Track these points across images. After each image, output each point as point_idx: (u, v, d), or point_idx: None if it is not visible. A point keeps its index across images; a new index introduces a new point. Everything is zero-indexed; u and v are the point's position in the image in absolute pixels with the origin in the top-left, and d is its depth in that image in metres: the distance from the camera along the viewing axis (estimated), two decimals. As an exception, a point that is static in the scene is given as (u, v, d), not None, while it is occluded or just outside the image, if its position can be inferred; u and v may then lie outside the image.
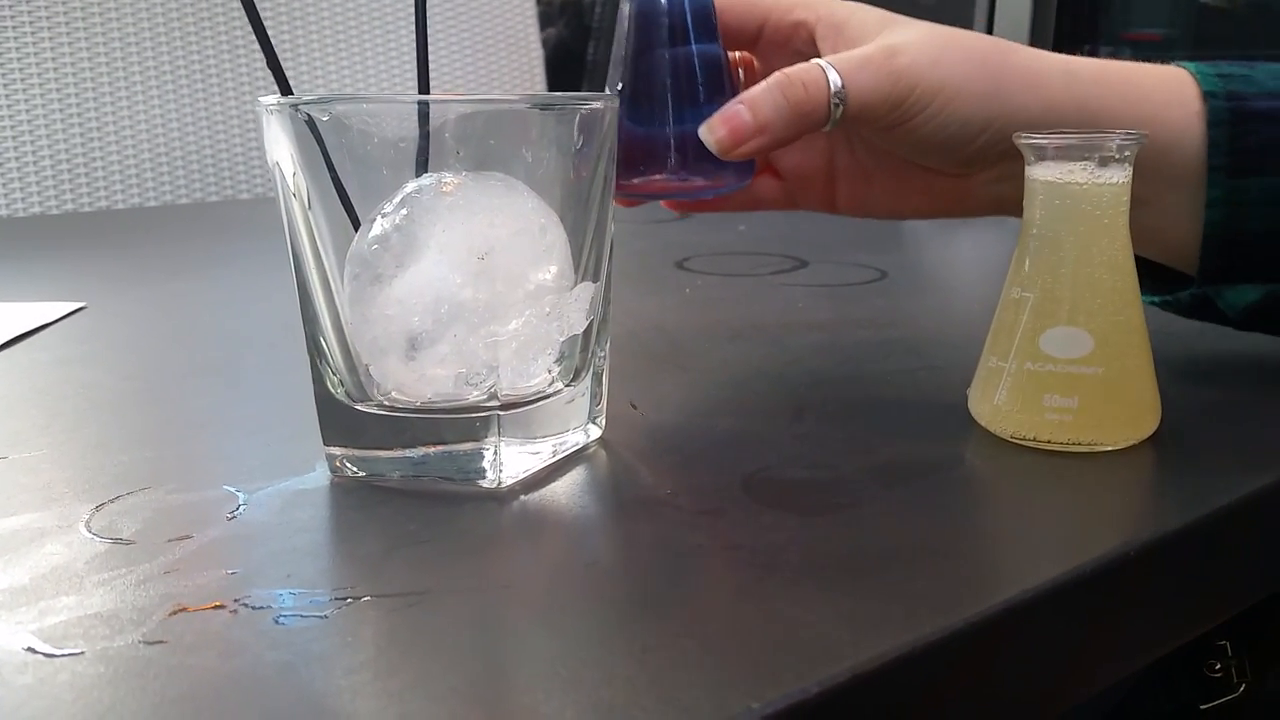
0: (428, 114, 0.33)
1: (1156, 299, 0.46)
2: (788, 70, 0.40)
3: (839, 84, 0.39)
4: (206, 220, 1.06)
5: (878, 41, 0.41)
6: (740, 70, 0.48)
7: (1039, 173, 0.37)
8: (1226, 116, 0.41)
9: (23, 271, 0.76)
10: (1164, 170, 0.41)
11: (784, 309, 0.61)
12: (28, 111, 1.12)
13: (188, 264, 0.80)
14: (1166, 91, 0.42)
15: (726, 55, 0.43)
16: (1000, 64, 0.41)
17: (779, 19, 0.44)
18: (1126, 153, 0.36)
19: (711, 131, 0.40)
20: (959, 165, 0.43)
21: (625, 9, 0.42)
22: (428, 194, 0.34)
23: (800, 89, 0.39)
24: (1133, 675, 0.33)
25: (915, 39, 0.41)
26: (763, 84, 0.40)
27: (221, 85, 1.21)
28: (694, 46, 0.42)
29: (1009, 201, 0.43)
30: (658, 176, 0.43)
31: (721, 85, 0.42)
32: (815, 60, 0.40)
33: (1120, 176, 0.36)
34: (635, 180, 0.43)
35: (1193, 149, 0.41)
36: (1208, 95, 0.41)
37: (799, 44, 0.44)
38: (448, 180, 0.34)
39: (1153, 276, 0.45)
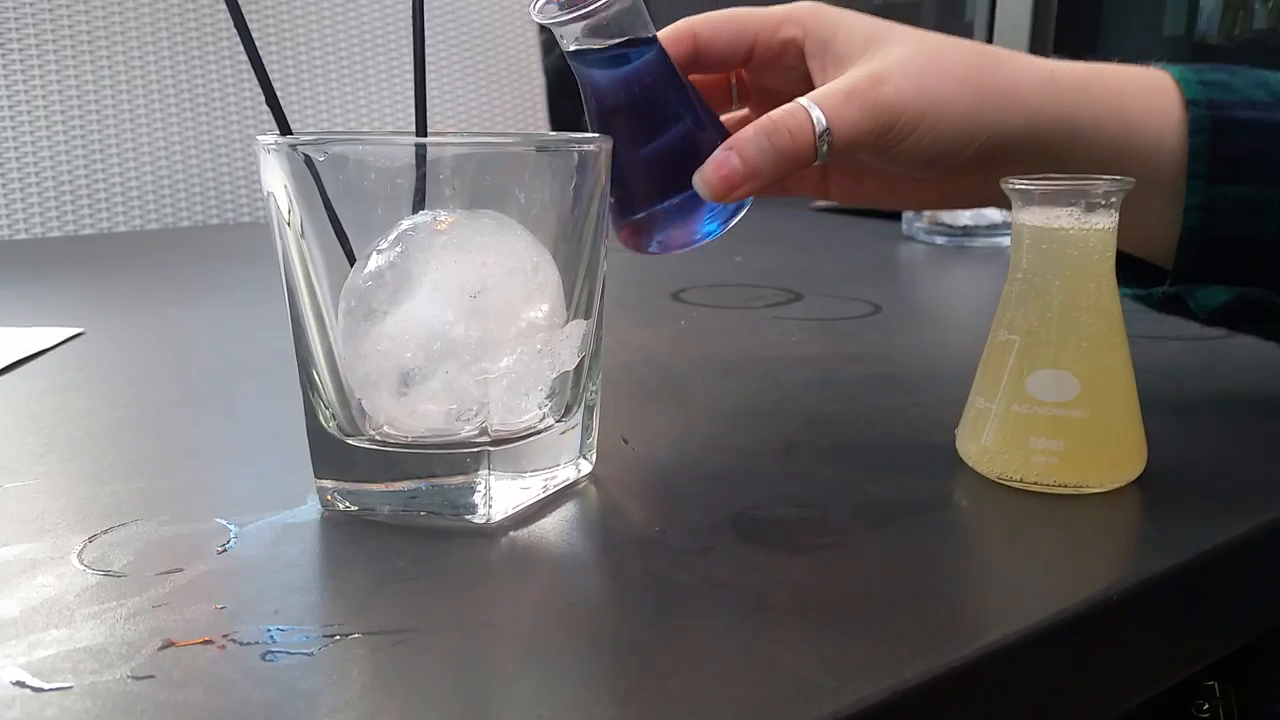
0: (425, 155, 0.34)
1: (1130, 292, 0.47)
2: (774, 116, 0.40)
3: (824, 124, 0.40)
4: (207, 244, 1.07)
5: (863, 67, 0.41)
6: (733, 80, 0.48)
7: (1026, 217, 0.37)
8: (1207, 125, 0.41)
9: (21, 295, 0.76)
10: (1144, 175, 0.42)
11: (777, 343, 0.61)
12: (31, 133, 1.12)
13: (187, 289, 0.80)
14: (1148, 100, 0.42)
15: (689, 94, 0.43)
16: (983, 81, 0.42)
17: (767, 39, 0.45)
18: (1113, 199, 0.36)
19: (704, 181, 0.40)
20: (944, 175, 0.44)
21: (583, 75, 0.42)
22: (422, 231, 0.34)
23: (786, 136, 0.40)
24: (1119, 717, 0.33)
25: (899, 61, 0.41)
26: (751, 130, 0.40)
27: (224, 108, 1.22)
28: (647, 110, 0.42)
29: (993, 198, 0.45)
30: (657, 238, 0.44)
31: (691, 140, 0.42)
32: (800, 101, 0.40)
33: (1106, 222, 0.36)
34: (650, 248, 0.44)
35: (1173, 155, 0.42)
36: (1190, 103, 0.42)
37: (789, 59, 0.45)
38: (442, 218, 0.34)
39: (1127, 270, 0.46)
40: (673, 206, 0.42)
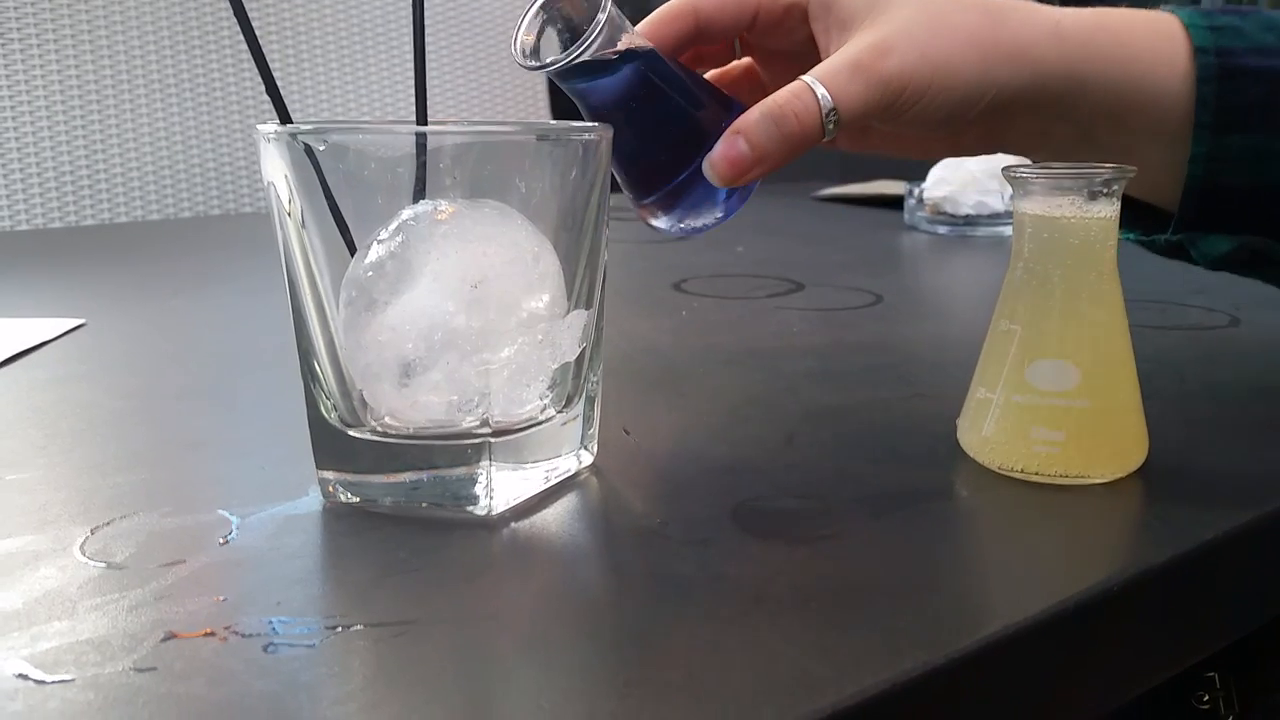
0: (425, 144, 0.34)
1: (1132, 237, 0.47)
2: (780, 100, 0.40)
3: (830, 104, 0.39)
4: (208, 234, 1.07)
5: (867, 34, 0.41)
6: (738, 54, 0.48)
7: (1027, 206, 0.37)
8: (1215, 73, 0.41)
9: (24, 286, 0.76)
10: (1150, 123, 0.42)
11: (779, 333, 0.61)
12: (32, 124, 1.12)
13: (188, 279, 0.80)
14: (1156, 48, 0.42)
15: (685, 82, 0.42)
16: (989, 39, 0.41)
17: (770, 5, 0.45)
18: (1115, 187, 0.36)
19: (714, 168, 0.40)
20: (951, 133, 0.44)
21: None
22: (423, 221, 0.34)
23: (793, 121, 0.39)
24: (1119, 708, 0.33)
25: (903, 26, 0.41)
26: (757, 114, 0.40)
27: (225, 98, 1.22)
28: (655, 108, 0.41)
29: (999, 145, 0.45)
30: (681, 225, 0.44)
31: (694, 128, 0.41)
32: (804, 80, 0.40)
33: (1108, 211, 0.36)
34: (662, 228, 0.44)
35: (1179, 103, 0.42)
36: (1198, 51, 0.41)
37: (792, 24, 0.45)
38: (443, 208, 0.34)
39: (1131, 214, 0.46)
40: (685, 191, 0.42)
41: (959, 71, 0.41)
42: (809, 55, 0.44)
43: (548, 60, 0.39)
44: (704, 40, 0.45)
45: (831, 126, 0.40)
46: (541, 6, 0.40)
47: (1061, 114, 0.42)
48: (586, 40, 0.38)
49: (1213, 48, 0.41)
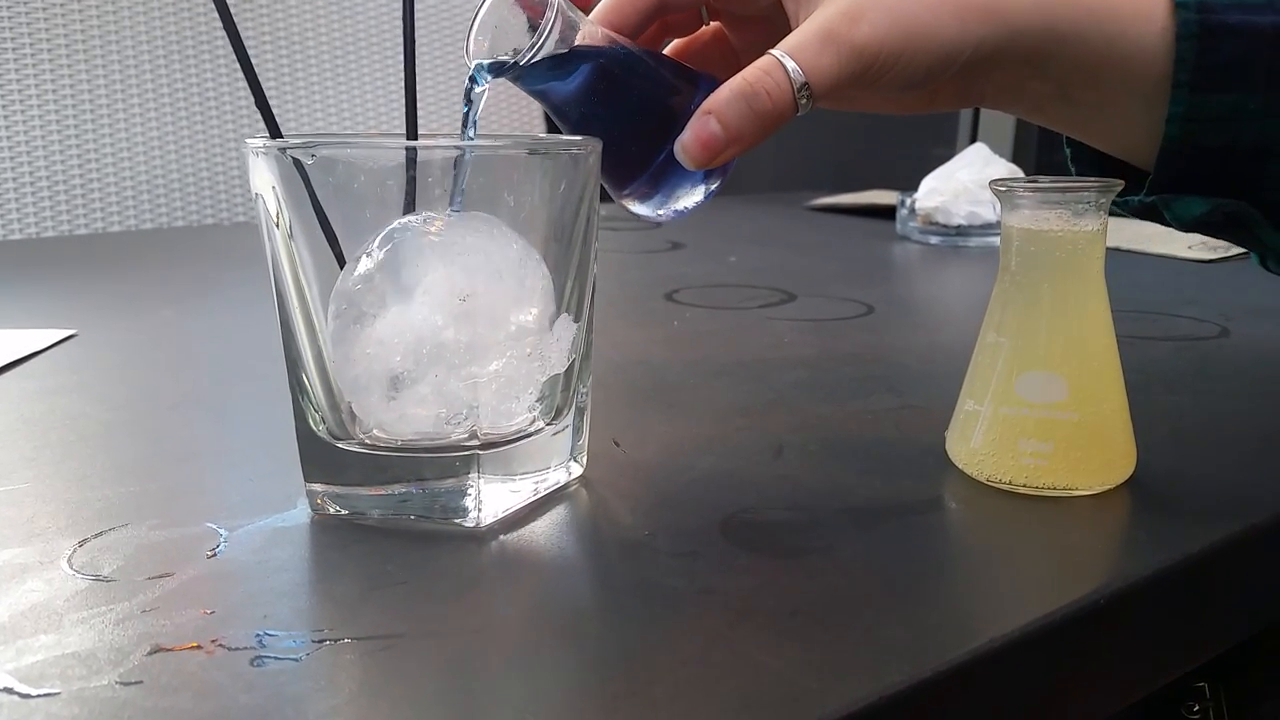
0: (415, 158, 0.34)
1: None
2: (750, 77, 0.39)
3: (801, 79, 0.39)
4: (200, 244, 1.07)
5: (836, 2, 0.40)
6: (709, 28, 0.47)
7: (1014, 219, 0.37)
8: (1195, 30, 0.40)
9: (14, 296, 0.76)
10: (1127, 80, 0.41)
11: (770, 344, 0.61)
12: (25, 133, 1.12)
13: (180, 290, 0.80)
14: (1135, 3, 0.41)
15: (648, 65, 0.42)
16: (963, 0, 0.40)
17: None
18: (1102, 201, 0.36)
19: (686, 151, 0.39)
20: (927, 92, 0.44)
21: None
22: (412, 234, 0.34)
23: (765, 99, 0.38)
24: (1109, 719, 0.34)
25: None
26: (728, 93, 0.39)
27: (218, 108, 1.22)
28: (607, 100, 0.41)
29: (975, 101, 0.45)
30: (662, 211, 0.43)
31: (667, 114, 0.41)
32: (774, 54, 0.39)
33: (1095, 224, 0.36)
34: (642, 213, 0.44)
35: (1157, 59, 0.41)
36: (1178, 5, 0.41)
37: None
38: (432, 221, 0.34)
39: (1103, 173, 0.45)
40: (662, 178, 0.42)
41: (933, 33, 0.40)
42: (777, 19, 0.43)
43: (492, 64, 0.38)
44: (669, 9, 0.45)
45: (805, 102, 0.39)
46: (490, 9, 0.39)
47: (1037, 70, 0.42)
48: (536, 44, 0.37)
49: (1194, 3, 0.40)
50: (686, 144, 0.39)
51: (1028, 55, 0.41)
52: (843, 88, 0.40)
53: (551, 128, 0.45)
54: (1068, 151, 0.48)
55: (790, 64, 0.39)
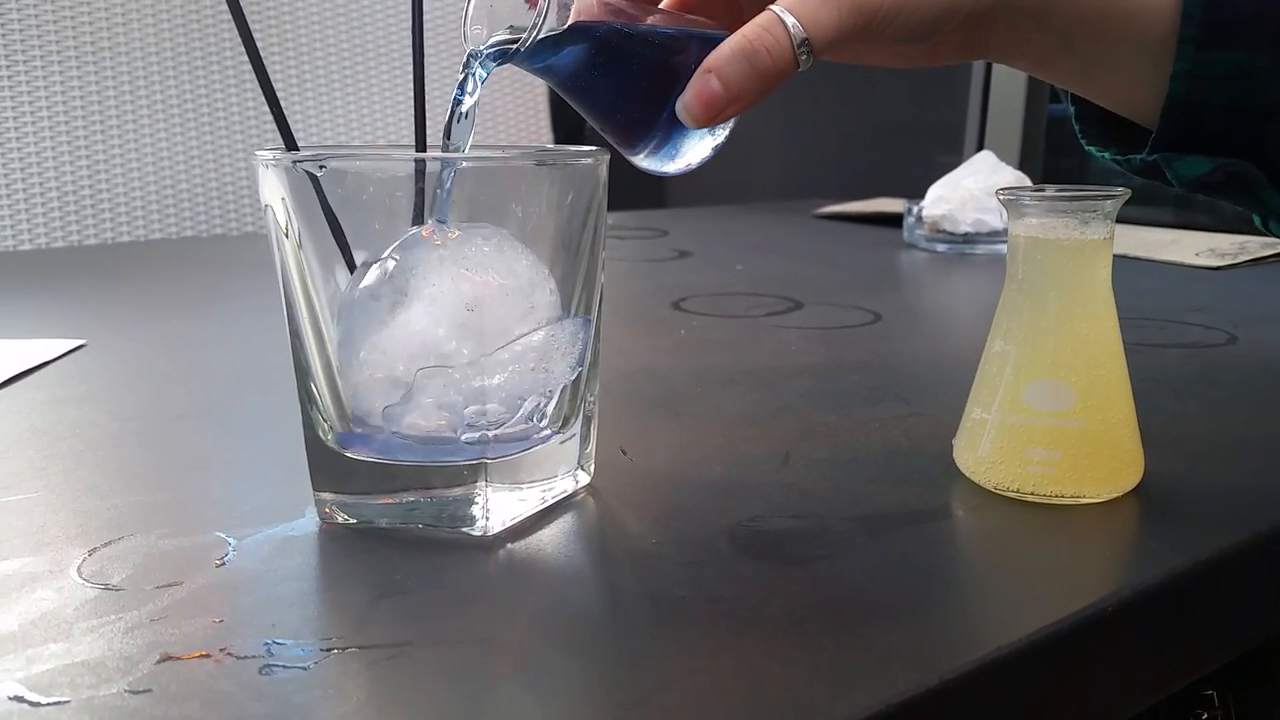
0: (423, 170, 0.34)
1: (1107, 155, 0.46)
2: (749, 34, 0.39)
3: (801, 35, 0.38)
4: (210, 254, 1.07)
5: None
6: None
7: (1021, 228, 0.37)
8: None
9: (25, 306, 0.77)
10: (1131, 35, 0.40)
11: (777, 352, 0.61)
12: (35, 144, 1.13)
13: (189, 300, 0.80)
14: None
15: (645, 32, 0.42)
16: None
17: None
18: (1109, 209, 0.36)
19: (687, 110, 0.39)
20: (930, 45, 0.44)
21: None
22: (420, 245, 0.34)
23: (765, 57, 0.38)
24: (1117, 727, 0.33)
25: None
26: (728, 51, 0.39)
27: (228, 119, 1.23)
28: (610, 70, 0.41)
29: (979, 54, 0.45)
30: (670, 166, 0.44)
31: (670, 75, 0.41)
32: (774, 10, 0.39)
33: (1102, 232, 0.37)
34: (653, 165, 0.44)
35: (1164, 17, 0.41)
36: None
37: None
38: (440, 232, 0.34)
39: (1106, 131, 0.45)
40: (670, 137, 0.42)
41: None
42: None
43: (495, 52, 0.38)
44: None
45: (805, 58, 0.39)
46: None
47: (1040, 22, 0.41)
48: (536, 24, 0.37)
49: None
50: (688, 103, 0.39)
51: (1029, 7, 0.41)
52: (843, 42, 0.39)
53: (555, 99, 0.45)
54: (1072, 109, 0.48)
55: (790, 20, 0.38)
